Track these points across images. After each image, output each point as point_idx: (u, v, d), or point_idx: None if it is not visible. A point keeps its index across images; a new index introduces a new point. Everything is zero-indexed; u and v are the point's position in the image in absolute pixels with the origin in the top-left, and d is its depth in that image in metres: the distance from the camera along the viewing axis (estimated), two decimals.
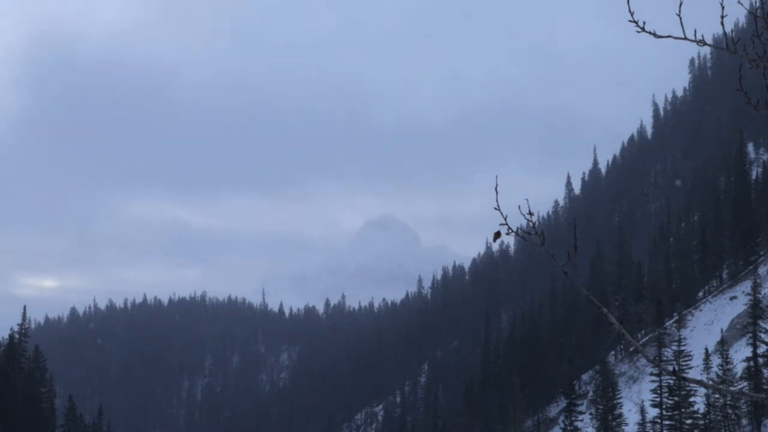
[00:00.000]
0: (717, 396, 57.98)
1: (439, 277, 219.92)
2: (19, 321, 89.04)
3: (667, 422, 59.02)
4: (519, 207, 4.86)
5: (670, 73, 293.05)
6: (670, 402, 58.91)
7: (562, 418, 77.84)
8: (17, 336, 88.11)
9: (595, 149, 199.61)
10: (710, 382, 23.38)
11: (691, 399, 58.21)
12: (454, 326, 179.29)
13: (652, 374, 69.32)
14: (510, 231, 4.85)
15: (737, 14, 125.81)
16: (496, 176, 5.26)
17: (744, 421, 60.85)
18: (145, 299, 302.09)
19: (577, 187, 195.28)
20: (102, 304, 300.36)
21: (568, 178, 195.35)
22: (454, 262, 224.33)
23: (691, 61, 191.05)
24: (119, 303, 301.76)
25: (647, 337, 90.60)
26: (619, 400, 69.36)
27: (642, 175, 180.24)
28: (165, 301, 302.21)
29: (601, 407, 70.74)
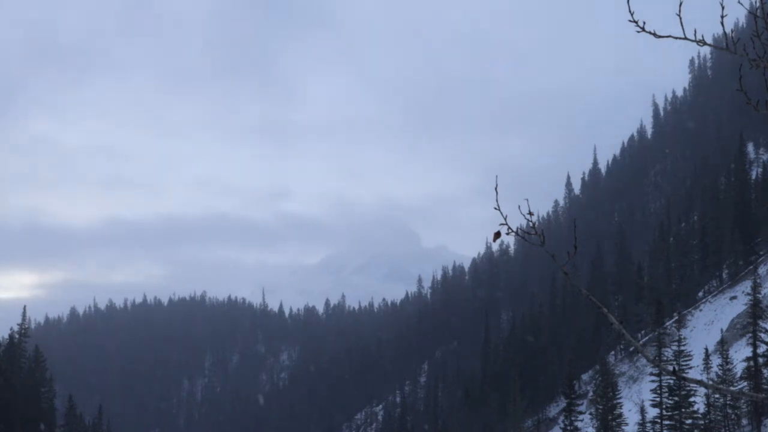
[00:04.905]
0: (717, 396, 57.96)
1: (439, 277, 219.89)
2: (19, 321, 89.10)
3: (667, 422, 58.98)
4: (519, 207, 4.85)
5: (670, 73, 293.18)
6: (670, 402, 58.86)
7: (562, 418, 77.75)
8: (17, 336, 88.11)
9: (595, 149, 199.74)
10: (710, 382, 23.36)
11: (691, 399, 58.16)
12: (454, 326, 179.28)
13: (652, 374, 69.30)
14: (510, 231, 4.84)
15: (737, 14, 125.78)
16: (496, 176, 5.25)
17: (744, 421, 60.81)
18: (145, 299, 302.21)
19: (577, 187, 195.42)
20: (102, 304, 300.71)
21: (568, 178, 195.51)
22: (454, 262, 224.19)
23: (691, 61, 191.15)
24: (119, 303, 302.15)
25: (647, 337, 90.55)
26: (619, 400, 69.26)
27: (642, 175, 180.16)
28: (165, 301, 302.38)
29: (601, 407, 70.67)
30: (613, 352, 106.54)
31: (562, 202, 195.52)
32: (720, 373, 59.02)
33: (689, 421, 57.63)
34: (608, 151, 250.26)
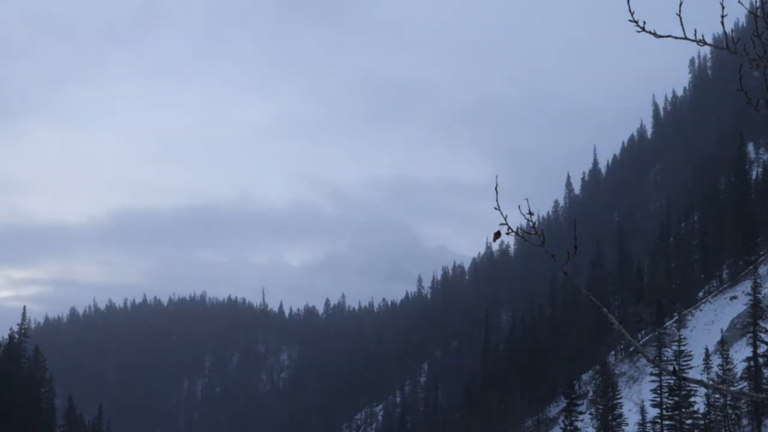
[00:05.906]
0: (717, 396, 57.97)
1: (439, 277, 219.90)
2: (19, 321, 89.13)
3: (667, 422, 59.01)
4: (519, 207, 4.84)
5: (670, 73, 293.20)
6: (670, 402, 58.90)
7: (562, 418, 77.79)
8: (17, 336, 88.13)
9: (595, 149, 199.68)
10: (710, 382, 23.37)
11: (691, 399, 58.20)
12: (454, 326, 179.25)
13: (652, 374, 69.32)
14: (510, 231, 4.83)
15: (737, 14, 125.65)
16: (496, 176, 5.25)
17: (744, 421, 60.84)
18: (145, 299, 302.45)
19: (577, 187, 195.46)
20: (102, 304, 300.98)
21: (568, 178, 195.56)
22: (454, 262, 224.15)
23: (691, 61, 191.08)
24: (119, 303, 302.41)
25: (647, 337, 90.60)
26: (619, 400, 69.34)
27: (642, 175, 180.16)
28: (165, 301, 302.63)
29: (601, 407, 70.75)
30: (613, 352, 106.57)
31: (562, 202, 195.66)
32: (720, 373, 59.04)
33: (689, 421, 57.67)
34: (608, 151, 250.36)
